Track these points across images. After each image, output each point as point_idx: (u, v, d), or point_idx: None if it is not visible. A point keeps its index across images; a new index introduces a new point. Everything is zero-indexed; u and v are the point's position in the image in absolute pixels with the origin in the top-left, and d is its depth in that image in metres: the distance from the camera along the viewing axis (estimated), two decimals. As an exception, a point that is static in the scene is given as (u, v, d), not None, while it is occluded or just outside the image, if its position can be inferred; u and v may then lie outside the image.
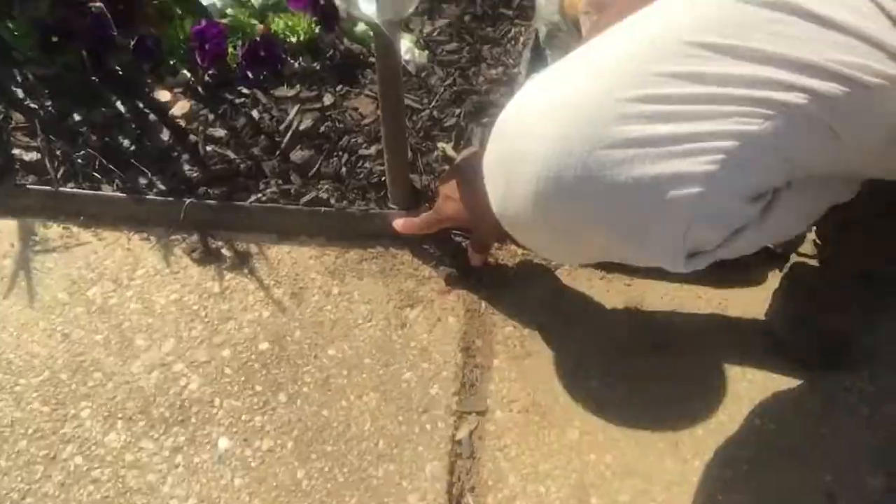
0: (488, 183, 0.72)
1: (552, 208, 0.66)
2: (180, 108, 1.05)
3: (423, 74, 1.15)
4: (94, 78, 1.08)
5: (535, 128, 0.65)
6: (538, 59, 1.19)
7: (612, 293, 1.00)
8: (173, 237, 1.00)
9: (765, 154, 0.63)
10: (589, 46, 0.68)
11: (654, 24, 0.67)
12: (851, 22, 0.63)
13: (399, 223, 1.00)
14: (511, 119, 0.69)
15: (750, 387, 0.91)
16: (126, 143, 1.03)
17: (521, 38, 1.26)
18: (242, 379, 0.87)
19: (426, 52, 1.17)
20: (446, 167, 1.07)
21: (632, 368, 0.92)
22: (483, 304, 0.98)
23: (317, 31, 1.14)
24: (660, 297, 1.00)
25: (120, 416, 0.84)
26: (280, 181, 1.02)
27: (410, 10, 0.87)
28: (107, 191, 1.00)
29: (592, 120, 0.62)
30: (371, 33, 1.00)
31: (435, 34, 1.21)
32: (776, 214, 0.69)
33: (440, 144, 1.08)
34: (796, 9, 0.63)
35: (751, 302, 0.99)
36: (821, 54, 0.62)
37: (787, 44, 0.63)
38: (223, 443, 0.83)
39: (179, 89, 1.08)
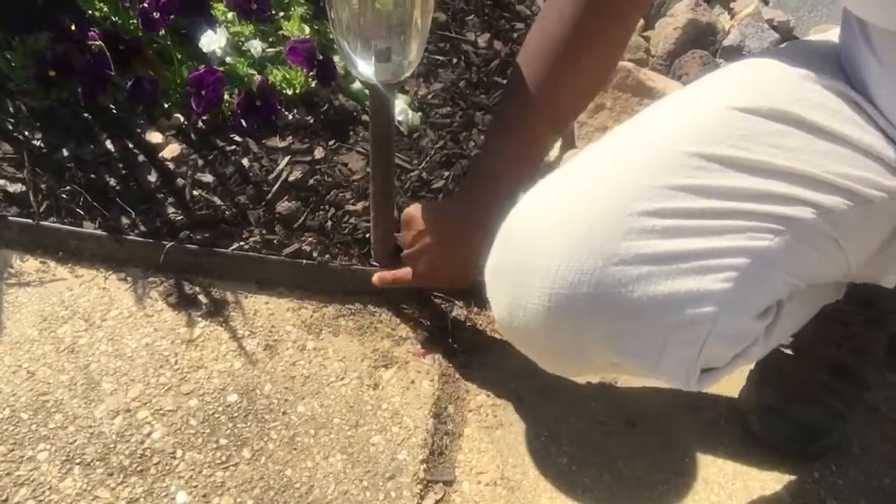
0: (492, 291, 0.70)
1: (563, 325, 0.64)
2: (171, 151, 1.05)
3: (415, 136, 1.17)
4: (86, 114, 1.08)
5: (545, 240, 0.64)
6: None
7: (587, 367, 1.00)
8: (151, 279, 0.99)
9: (775, 269, 0.63)
10: (591, 154, 0.68)
11: (654, 132, 0.66)
12: (851, 134, 0.64)
13: (377, 278, 0.98)
14: (517, 229, 0.67)
15: (720, 473, 0.90)
16: (112, 181, 1.03)
17: (514, 107, 1.28)
18: (207, 431, 0.86)
19: (420, 114, 1.19)
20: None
21: (604, 446, 0.91)
22: (458, 369, 0.97)
23: (313, 85, 1.15)
24: (635, 374, 1.00)
25: (78, 461, 0.82)
26: (264, 231, 1.02)
27: (408, 73, 0.88)
28: (88, 228, 0.99)
29: (604, 234, 0.61)
30: (367, 91, 1.01)
31: (429, 97, 1.23)
32: (779, 326, 0.68)
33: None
34: (797, 120, 0.64)
35: (724, 386, 0.99)
36: (822, 167, 0.62)
37: (789, 156, 0.63)
38: (181, 497, 0.80)
39: (172, 132, 1.08)
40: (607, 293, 0.61)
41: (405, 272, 0.96)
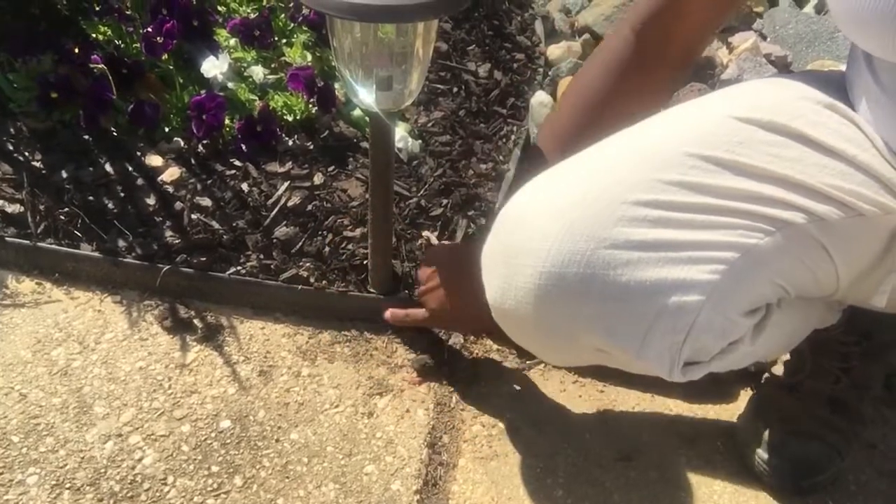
0: (486, 275, 0.71)
1: (552, 305, 0.65)
2: (170, 174, 1.06)
3: (415, 163, 1.17)
4: (87, 137, 1.08)
5: (540, 223, 0.65)
6: (528, 157, 1.22)
7: (584, 398, 0.99)
8: (147, 303, 0.98)
9: (763, 268, 0.65)
10: (592, 150, 0.70)
11: (655, 134, 0.69)
12: (847, 150, 0.65)
13: (389, 314, 0.98)
14: (515, 213, 0.69)
15: (716, 508, 0.90)
16: (111, 204, 1.03)
17: (513, 137, 1.29)
18: (199, 458, 0.85)
19: (419, 141, 1.19)
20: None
21: (599, 479, 0.90)
22: (454, 398, 0.97)
23: (314, 111, 1.16)
24: (632, 406, 0.99)
25: (68, 486, 0.81)
26: (262, 256, 1.02)
27: (408, 102, 0.89)
28: (85, 250, 0.99)
29: (597, 219, 0.63)
30: (367, 118, 1.02)
31: (429, 125, 1.24)
32: (768, 331, 0.69)
33: (425, 233, 1.08)
34: (795, 133, 0.66)
35: (721, 419, 0.99)
36: (817, 178, 0.65)
37: (786, 165, 0.65)
38: (171, 524, 0.79)
39: (172, 156, 1.08)
40: (596, 274, 0.62)
41: (417, 310, 0.96)
